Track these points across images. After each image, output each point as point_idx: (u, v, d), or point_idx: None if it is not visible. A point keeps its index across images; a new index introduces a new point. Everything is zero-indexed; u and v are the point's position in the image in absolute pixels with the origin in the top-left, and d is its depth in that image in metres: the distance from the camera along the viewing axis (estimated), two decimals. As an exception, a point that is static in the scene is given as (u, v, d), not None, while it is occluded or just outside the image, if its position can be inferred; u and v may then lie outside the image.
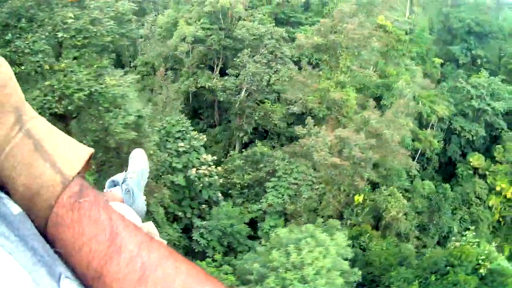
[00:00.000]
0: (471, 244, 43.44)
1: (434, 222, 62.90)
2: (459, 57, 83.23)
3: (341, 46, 52.84)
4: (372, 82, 56.54)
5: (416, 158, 71.58)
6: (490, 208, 70.55)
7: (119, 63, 72.53)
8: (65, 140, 1.14)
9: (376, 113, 49.95)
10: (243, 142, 56.95)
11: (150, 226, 2.00)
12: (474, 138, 74.78)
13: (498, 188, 68.59)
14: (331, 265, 31.79)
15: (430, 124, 71.57)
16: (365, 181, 45.09)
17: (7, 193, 1.06)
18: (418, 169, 75.64)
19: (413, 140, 69.17)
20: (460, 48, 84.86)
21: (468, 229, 45.74)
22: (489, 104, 73.15)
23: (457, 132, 75.35)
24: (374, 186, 54.23)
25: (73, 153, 1.12)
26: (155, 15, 73.37)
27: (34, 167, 1.06)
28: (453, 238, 67.81)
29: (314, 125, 46.01)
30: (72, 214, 1.05)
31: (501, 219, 71.56)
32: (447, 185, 66.45)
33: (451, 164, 76.04)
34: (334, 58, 53.63)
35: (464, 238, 44.82)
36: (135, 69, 68.15)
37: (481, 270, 43.19)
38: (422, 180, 71.75)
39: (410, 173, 66.62)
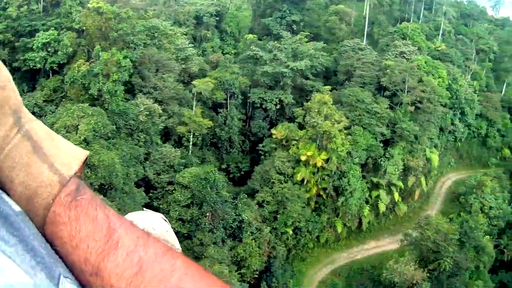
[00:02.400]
0: None
1: (207, 214, 45.82)
2: (273, 28, 67.31)
3: None
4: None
5: (191, 141, 55.50)
6: (302, 182, 52.81)
7: None
8: (62, 142, 1.11)
9: None
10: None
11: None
12: (278, 107, 57.99)
13: (303, 158, 51.36)
14: None
15: (193, 103, 55.32)
16: None
17: (6, 193, 1.02)
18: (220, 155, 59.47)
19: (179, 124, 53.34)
20: (274, 18, 69.43)
21: None
22: (288, 66, 56.40)
23: (259, 105, 58.66)
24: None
25: (70, 155, 1.08)
26: None
27: (33, 168, 1.02)
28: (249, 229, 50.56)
29: None
30: (70, 212, 1.01)
31: (321, 192, 53.63)
32: (211, 167, 50.00)
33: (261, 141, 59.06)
34: None
35: None
36: None
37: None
38: (219, 166, 55.35)
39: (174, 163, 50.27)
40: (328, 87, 55.58)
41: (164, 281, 0.96)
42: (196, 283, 0.98)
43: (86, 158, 1.09)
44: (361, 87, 59.18)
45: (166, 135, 59.06)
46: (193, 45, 68.46)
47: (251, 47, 61.12)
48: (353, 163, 54.28)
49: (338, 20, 66.84)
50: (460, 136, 67.68)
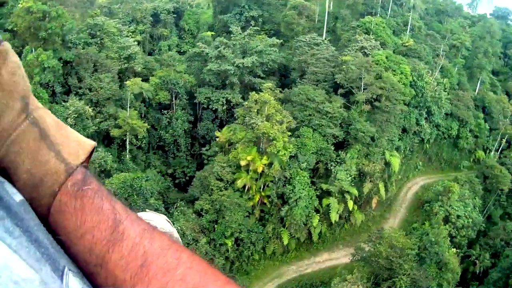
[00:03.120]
0: None
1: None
2: (232, 24, 59.62)
3: None
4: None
5: (127, 145, 48.34)
6: (243, 189, 45.18)
7: None
8: (69, 131, 1.05)
9: None
10: None
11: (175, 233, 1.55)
12: (226, 107, 50.38)
13: (243, 163, 43.65)
14: None
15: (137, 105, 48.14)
16: None
17: (9, 180, 0.96)
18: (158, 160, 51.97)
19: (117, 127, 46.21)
20: (233, 15, 61.81)
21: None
22: (233, 63, 48.76)
23: (206, 106, 51.15)
24: None
25: (77, 144, 1.03)
26: None
27: (39, 155, 0.96)
28: (184, 240, 42.91)
29: None
30: (76, 202, 0.95)
31: (265, 200, 45.83)
32: (139, 174, 42.65)
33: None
34: None
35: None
36: None
37: None
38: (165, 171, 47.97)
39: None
40: (270, 84, 47.80)
41: (168, 274, 0.90)
42: (200, 276, 0.93)
43: (93, 150, 1.04)
44: (314, 84, 51.13)
45: (110, 138, 52.19)
46: (150, 43, 61.51)
47: (198, 44, 53.54)
48: (300, 168, 46.36)
49: (297, 15, 58.83)
50: (427, 138, 58.89)
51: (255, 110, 45.03)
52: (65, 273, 0.85)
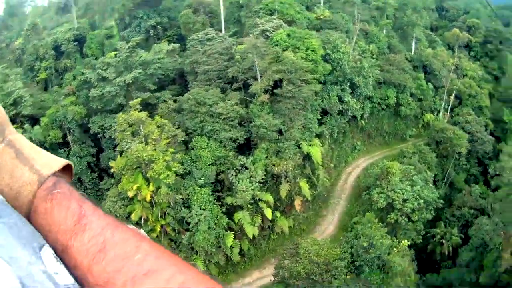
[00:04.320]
0: None
1: None
2: (131, 37, 50.85)
3: None
4: None
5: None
6: (141, 222, 36.75)
7: None
8: (43, 151, 1.12)
9: None
10: None
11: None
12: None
13: (131, 194, 35.09)
14: None
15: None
16: None
17: None
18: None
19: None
20: (133, 28, 53.09)
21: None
22: (114, 84, 40.21)
23: (102, 135, 42.83)
24: None
25: (49, 159, 1.10)
26: None
27: (16, 171, 1.05)
28: None
29: None
30: (46, 204, 1.03)
31: (168, 229, 37.18)
32: None
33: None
34: None
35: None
36: None
37: None
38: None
39: None
40: (138, 100, 38.61)
41: (126, 259, 0.93)
42: (158, 261, 0.94)
43: (72, 169, 1.09)
44: (207, 85, 41.66)
45: None
46: (57, 77, 53.71)
47: (82, 70, 45.17)
48: (198, 186, 37.07)
49: (193, 13, 49.40)
50: (359, 113, 47.82)
51: (129, 133, 36.18)
52: (43, 249, 0.92)
